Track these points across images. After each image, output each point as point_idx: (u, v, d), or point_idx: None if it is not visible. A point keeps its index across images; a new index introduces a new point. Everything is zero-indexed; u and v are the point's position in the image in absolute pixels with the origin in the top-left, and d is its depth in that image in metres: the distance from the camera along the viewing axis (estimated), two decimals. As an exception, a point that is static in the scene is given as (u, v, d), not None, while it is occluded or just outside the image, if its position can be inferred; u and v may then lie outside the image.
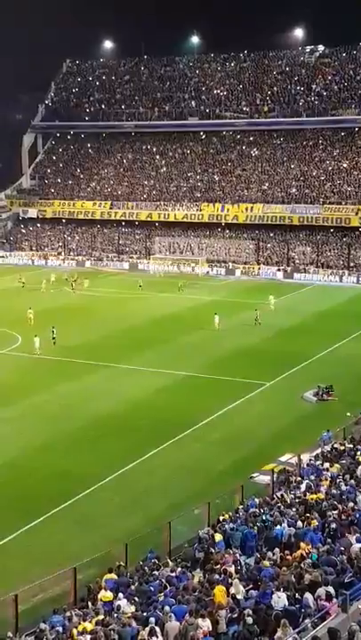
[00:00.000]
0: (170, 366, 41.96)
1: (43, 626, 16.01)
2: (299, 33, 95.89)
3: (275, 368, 41.14)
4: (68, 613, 16.72)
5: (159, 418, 33.69)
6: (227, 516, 21.83)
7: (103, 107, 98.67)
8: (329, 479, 23.24)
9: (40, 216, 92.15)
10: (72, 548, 22.35)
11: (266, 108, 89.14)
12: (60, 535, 23.46)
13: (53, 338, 46.37)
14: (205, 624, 14.77)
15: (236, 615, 15.41)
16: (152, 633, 14.75)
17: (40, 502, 25.34)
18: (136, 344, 47.10)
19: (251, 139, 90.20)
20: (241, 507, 22.70)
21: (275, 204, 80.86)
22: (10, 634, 16.38)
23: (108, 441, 31.06)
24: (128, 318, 55.37)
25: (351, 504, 20.24)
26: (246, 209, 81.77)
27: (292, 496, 22.35)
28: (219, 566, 18.04)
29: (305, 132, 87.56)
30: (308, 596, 15.22)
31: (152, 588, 17.56)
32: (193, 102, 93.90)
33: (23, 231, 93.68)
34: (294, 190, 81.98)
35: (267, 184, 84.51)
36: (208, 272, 78.34)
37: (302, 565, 16.91)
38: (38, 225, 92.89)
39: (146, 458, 29.21)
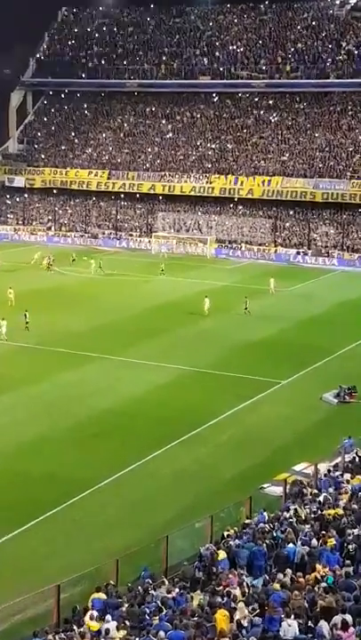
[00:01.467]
0: (172, 360, 42.03)
1: (21, 650, 16.14)
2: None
3: (292, 364, 41.21)
4: (49, 636, 16.82)
5: (161, 417, 33.84)
6: (232, 531, 21.92)
7: (103, 62, 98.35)
8: (349, 492, 23.31)
9: (28, 185, 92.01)
10: (58, 562, 22.48)
11: (288, 68, 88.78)
12: (44, 547, 23.60)
13: (27, 323, 46.66)
14: (205, 653, 14.89)
15: (240, 644, 15.51)
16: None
17: (24, 509, 25.43)
18: (135, 333, 47.17)
19: (270, 102, 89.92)
20: (249, 521, 22.78)
21: (295, 178, 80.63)
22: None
23: (104, 441, 31.21)
24: (124, 303, 55.41)
25: (374, 521, 20.33)
26: (263, 182, 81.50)
27: (307, 511, 22.42)
28: (222, 588, 18.13)
29: (332, 96, 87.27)
30: (322, 624, 15.32)
31: (146, 611, 17.66)
32: (205, 59, 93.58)
33: (8, 202, 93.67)
34: (318, 162, 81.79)
35: (287, 154, 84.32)
36: (217, 253, 78.23)
37: (317, 589, 16.99)
38: (26, 195, 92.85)
39: (144, 461, 29.34)
